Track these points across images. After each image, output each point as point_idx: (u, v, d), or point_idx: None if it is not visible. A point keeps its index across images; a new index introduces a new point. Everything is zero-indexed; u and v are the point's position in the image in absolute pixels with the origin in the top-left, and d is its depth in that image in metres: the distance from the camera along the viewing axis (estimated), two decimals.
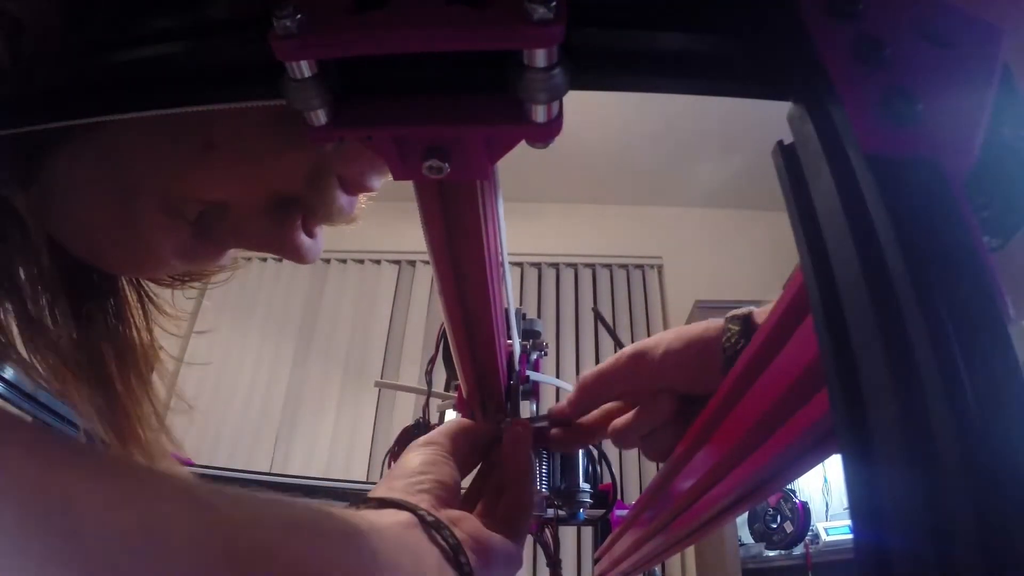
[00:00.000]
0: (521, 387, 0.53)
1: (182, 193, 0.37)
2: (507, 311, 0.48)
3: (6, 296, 0.39)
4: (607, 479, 0.75)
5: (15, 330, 0.40)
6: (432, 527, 0.36)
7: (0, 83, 0.28)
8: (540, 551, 0.65)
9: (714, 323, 0.44)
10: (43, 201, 0.38)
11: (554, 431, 0.51)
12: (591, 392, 0.49)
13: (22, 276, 0.39)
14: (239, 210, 0.40)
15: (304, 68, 0.21)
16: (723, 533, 1.81)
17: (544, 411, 0.53)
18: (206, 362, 2.44)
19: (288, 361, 2.47)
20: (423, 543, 0.34)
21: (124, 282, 0.48)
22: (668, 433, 0.46)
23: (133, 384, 0.47)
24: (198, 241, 0.40)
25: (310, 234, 0.43)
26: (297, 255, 0.42)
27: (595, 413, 0.51)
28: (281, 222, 0.40)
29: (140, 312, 0.49)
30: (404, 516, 0.35)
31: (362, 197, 0.45)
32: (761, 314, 0.41)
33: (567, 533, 1.97)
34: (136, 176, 0.37)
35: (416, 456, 0.43)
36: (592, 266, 2.66)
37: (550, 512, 0.62)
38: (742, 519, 1.92)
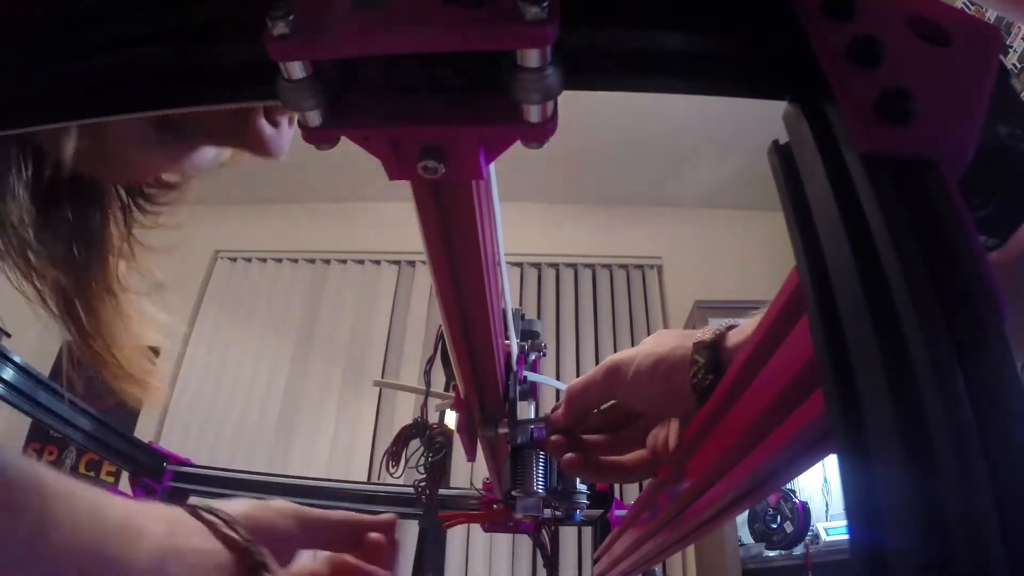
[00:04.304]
0: (519, 388, 0.53)
1: None
2: (505, 311, 0.48)
3: None
4: None
5: None
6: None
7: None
8: (538, 551, 0.65)
9: (685, 342, 0.41)
10: None
11: (553, 438, 0.50)
12: (577, 402, 0.49)
13: (11, 183, 0.40)
14: None
15: (298, 68, 0.21)
16: (723, 533, 1.81)
17: (543, 412, 0.53)
18: (206, 362, 2.45)
19: (288, 361, 2.47)
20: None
21: (112, 191, 0.49)
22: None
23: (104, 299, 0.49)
24: (164, 134, 0.41)
25: (273, 123, 0.42)
26: (259, 143, 0.42)
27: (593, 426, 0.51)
28: (242, 110, 0.40)
29: (122, 219, 0.51)
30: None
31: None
32: (737, 333, 0.39)
33: (567, 533, 1.96)
34: None
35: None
36: (592, 266, 2.66)
37: (547, 513, 0.62)
38: (742, 519, 1.92)
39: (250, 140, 0.41)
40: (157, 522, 0.33)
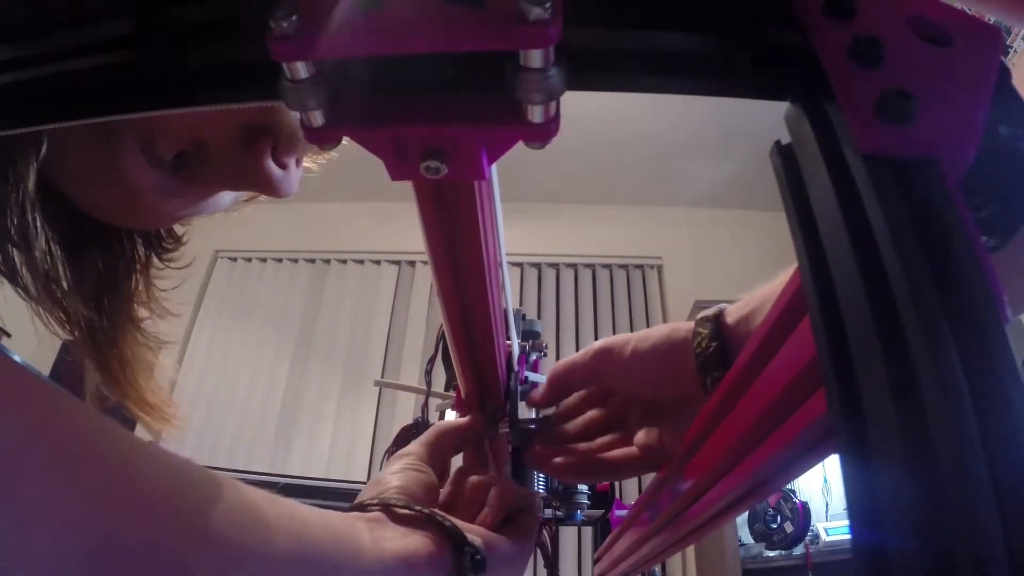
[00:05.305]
0: (520, 388, 0.53)
1: (158, 127, 0.39)
2: (506, 312, 0.48)
3: (17, 246, 0.42)
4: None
5: (28, 279, 0.43)
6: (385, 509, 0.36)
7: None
8: (538, 552, 0.65)
9: (682, 326, 0.44)
10: (49, 155, 0.40)
11: (538, 448, 0.49)
12: (559, 382, 0.49)
13: (36, 228, 0.42)
14: (213, 145, 0.41)
15: (301, 69, 0.21)
16: (723, 533, 1.81)
17: (543, 414, 0.52)
18: (206, 362, 2.44)
19: (288, 361, 2.47)
20: (360, 529, 0.34)
21: (133, 239, 0.51)
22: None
23: (129, 344, 0.51)
24: (180, 182, 0.42)
25: (281, 165, 0.43)
26: (268, 185, 0.43)
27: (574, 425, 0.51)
28: (251, 153, 0.41)
29: (143, 261, 0.53)
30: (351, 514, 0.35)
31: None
32: (733, 312, 0.42)
33: (567, 533, 1.96)
34: None
35: (386, 470, 0.43)
36: (592, 266, 2.66)
37: (548, 513, 0.62)
38: (742, 519, 1.92)
39: (260, 182, 0.43)
40: (360, 524, 0.33)
